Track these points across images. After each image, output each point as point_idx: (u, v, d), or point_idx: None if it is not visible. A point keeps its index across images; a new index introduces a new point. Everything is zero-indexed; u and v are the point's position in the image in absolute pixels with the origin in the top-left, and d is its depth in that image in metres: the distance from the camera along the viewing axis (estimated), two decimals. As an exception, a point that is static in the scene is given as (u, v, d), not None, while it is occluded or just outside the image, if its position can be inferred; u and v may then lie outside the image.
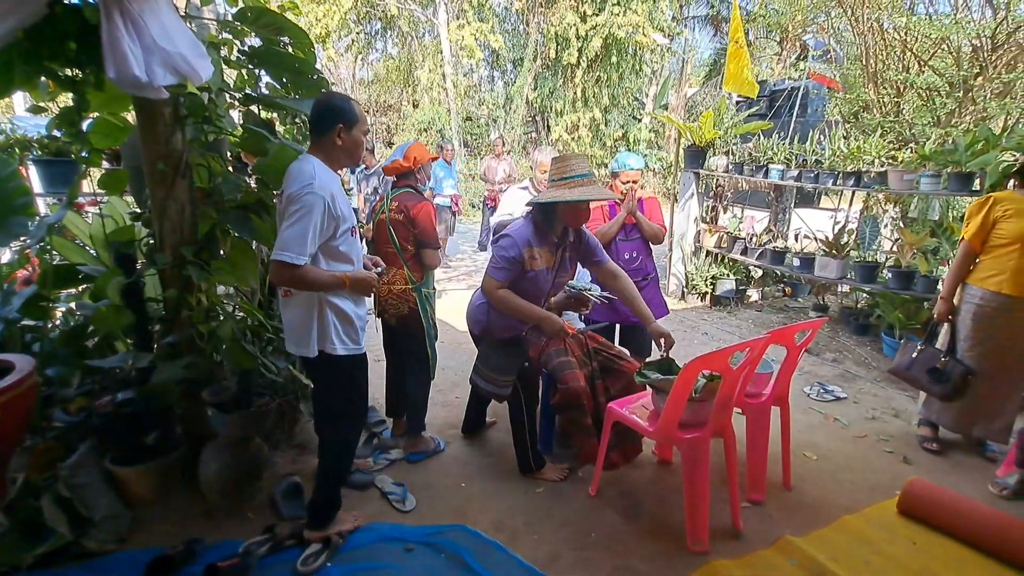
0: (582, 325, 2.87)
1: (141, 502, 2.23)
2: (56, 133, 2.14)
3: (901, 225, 4.99)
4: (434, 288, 2.80)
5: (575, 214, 2.30)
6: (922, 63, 6.02)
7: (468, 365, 4.00)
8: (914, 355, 2.84)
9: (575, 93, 13.08)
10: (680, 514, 2.19)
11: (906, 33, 6.00)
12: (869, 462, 2.80)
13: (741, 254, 5.28)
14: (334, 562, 1.96)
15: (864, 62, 6.33)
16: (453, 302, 5.32)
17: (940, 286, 3.44)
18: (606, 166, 9.93)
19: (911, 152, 4.47)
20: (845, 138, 5.02)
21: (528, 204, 2.38)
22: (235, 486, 2.31)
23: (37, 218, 2.52)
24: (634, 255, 3.06)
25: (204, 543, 2.03)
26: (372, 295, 2.11)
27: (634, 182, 3.04)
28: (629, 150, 13.41)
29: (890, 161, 4.29)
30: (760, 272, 5.82)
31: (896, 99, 6.20)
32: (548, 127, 14.18)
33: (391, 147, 13.92)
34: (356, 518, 2.20)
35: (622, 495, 2.45)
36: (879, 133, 5.38)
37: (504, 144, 7.94)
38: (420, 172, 2.69)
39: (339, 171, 2.01)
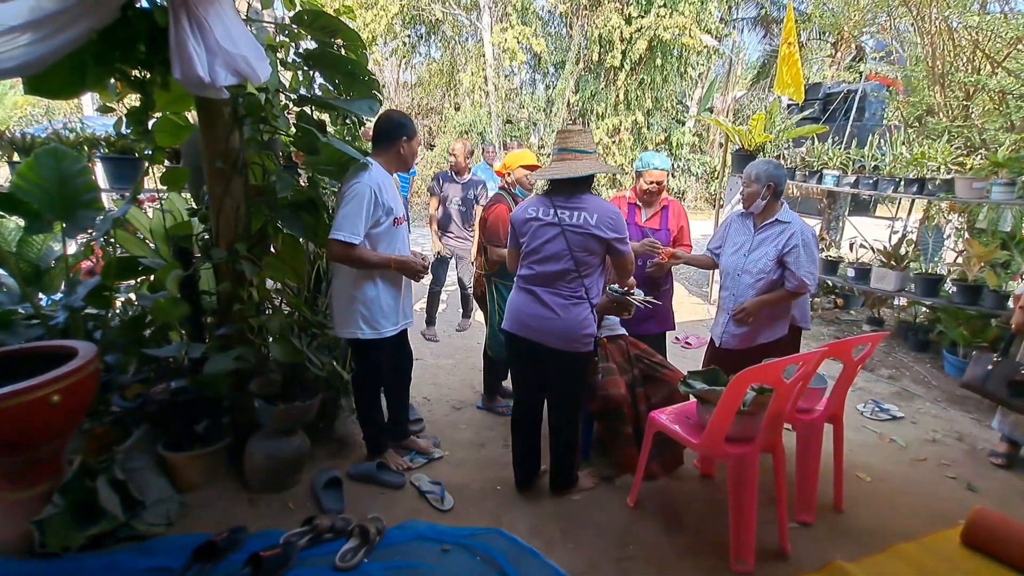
0: (623, 330, 2.81)
1: (189, 488, 2.31)
2: (124, 131, 2.24)
3: (967, 236, 4.70)
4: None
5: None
6: (995, 64, 5.66)
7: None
8: (989, 368, 2.70)
9: (617, 96, 12.92)
10: (723, 531, 2.11)
11: (978, 33, 5.66)
12: (929, 487, 2.64)
13: (790, 262, 5.07)
14: (371, 558, 1.97)
15: (930, 63, 5.99)
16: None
17: (1011, 302, 3.24)
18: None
19: (981, 159, 4.19)
20: (904, 144, 4.76)
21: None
22: (277, 476, 2.36)
23: (103, 212, 2.65)
24: (646, 262, 2.90)
25: (247, 531, 2.07)
26: (418, 279, 2.41)
27: (658, 183, 2.94)
28: (672, 154, 13.15)
29: (957, 168, 4.04)
30: (809, 282, 5.56)
31: (965, 102, 5.85)
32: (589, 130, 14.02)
33: (431, 149, 14.12)
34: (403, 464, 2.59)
35: (662, 508, 2.38)
36: (946, 138, 5.08)
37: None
38: (509, 176, 3.08)
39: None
